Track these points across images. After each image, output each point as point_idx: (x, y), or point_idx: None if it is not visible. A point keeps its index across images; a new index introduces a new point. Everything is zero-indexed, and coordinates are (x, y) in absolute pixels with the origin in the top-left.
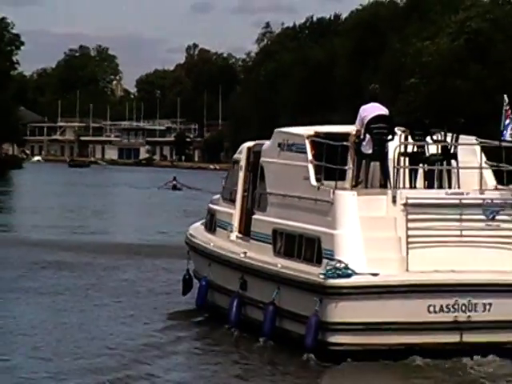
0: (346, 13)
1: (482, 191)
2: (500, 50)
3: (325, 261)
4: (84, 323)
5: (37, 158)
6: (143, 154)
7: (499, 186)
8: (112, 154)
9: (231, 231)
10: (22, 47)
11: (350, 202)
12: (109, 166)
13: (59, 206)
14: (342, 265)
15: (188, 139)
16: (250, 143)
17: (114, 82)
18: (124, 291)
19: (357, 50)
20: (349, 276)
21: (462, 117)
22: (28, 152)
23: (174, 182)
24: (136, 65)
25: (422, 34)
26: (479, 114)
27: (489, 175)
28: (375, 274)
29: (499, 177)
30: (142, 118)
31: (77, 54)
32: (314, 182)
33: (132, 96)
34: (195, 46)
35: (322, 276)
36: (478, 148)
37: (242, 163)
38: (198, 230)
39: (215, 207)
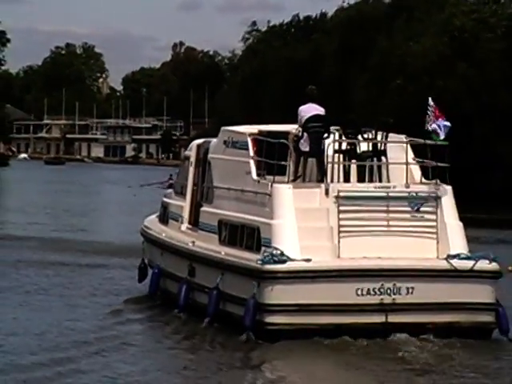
0: (332, 11)
1: (407, 185)
2: (485, 48)
3: (263, 248)
4: (36, 317)
5: (23, 155)
6: (129, 152)
7: (424, 181)
8: (98, 151)
9: (182, 222)
10: (8, 44)
11: (286, 195)
12: (95, 163)
13: (39, 204)
14: (278, 252)
15: (174, 137)
16: (199, 140)
17: (101, 80)
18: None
19: (343, 49)
20: (284, 262)
21: (452, 118)
22: (14, 149)
23: (171, 181)
24: (123, 63)
25: (409, 33)
26: (466, 112)
27: (416, 170)
28: (308, 260)
29: (426, 172)
30: (128, 116)
31: (63, 52)
32: (254, 176)
33: (118, 94)
34: (181, 43)
35: (259, 262)
36: (408, 146)
37: (192, 159)
38: (152, 222)
39: (168, 200)
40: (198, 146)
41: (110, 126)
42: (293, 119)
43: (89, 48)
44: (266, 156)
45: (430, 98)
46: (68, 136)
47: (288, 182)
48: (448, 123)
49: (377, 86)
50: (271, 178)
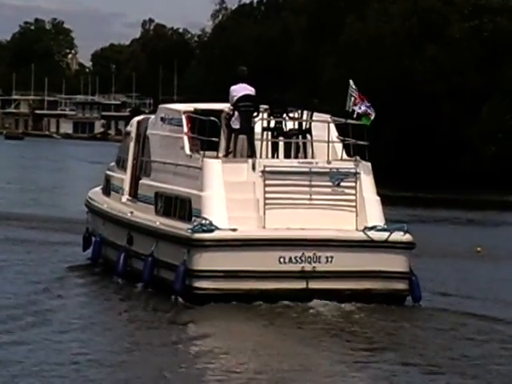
0: None
1: (329, 161)
2: (454, 28)
3: (194, 218)
4: None
5: None
6: (98, 129)
7: (346, 157)
8: (67, 127)
9: (122, 194)
10: None
11: (215, 169)
12: (63, 139)
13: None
14: (207, 222)
15: (143, 114)
16: (139, 117)
17: (70, 56)
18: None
19: (312, 27)
20: (212, 231)
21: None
22: None
23: None
24: (92, 39)
25: (379, 13)
26: (435, 93)
27: (339, 148)
28: (234, 230)
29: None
30: (97, 93)
31: (32, 27)
32: (187, 151)
33: (87, 70)
34: (151, 21)
35: (189, 231)
36: (332, 124)
37: (133, 135)
38: (96, 194)
39: (110, 173)
40: (138, 123)
41: (78, 102)
42: (260, 95)
43: (58, 24)
44: (199, 132)
45: (351, 81)
46: (37, 112)
47: (217, 157)
48: (363, 108)
49: (346, 65)
50: (208, 153)
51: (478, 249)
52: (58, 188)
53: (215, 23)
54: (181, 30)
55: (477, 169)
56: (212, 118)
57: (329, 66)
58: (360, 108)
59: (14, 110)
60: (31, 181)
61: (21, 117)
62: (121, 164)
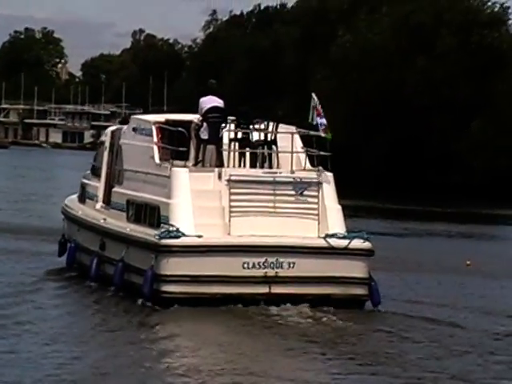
0: (292, 1)
1: (292, 171)
2: (444, 41)
3: (162, 225)
4: None
5: None
6: (88, 138)
7: (310, 167)
8: (56, 137)
9: (97, 202)
10: None
11: (183, 177)
12: (52, 149)
13: None
14: (174, 228)
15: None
16: (113, 127)
17: (60, 65)
18: (17, 259)
19: (303, 39)
20: (178, 237)
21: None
22: None
23: None
24: (83, 48)
25: (370, 27)
26: (425, 105)
27: (303, 158)
28: (200, 236)
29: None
30: (87, 102)
31: (22, 37)
32: (157, 160)
33: (77, 80)
34: (141, 31)
35: (156, 237)
36: (296, 136)
37: (107, 144)
38: (72, 201)
39: (86, 181)
40: (112, 132)
41: (68, 112)
42: (251, 107)
43: (48, 33)
44: (168, 142)
45: (313, 94)
46: (26, 121)
47: (185, 166)
48: (324, 121)
49: (337, 77)
50: (178, 162)
51: (468, 262)
52: (44, 196)
53: (206, 34)
54: (171, 41)
55: (466, 182)
56: (180, 129)
57: (320, 77)
58: (317, 120)
59: (3, 119)
60: (16, 189)
61: (10, 126)
62: (96, 172)
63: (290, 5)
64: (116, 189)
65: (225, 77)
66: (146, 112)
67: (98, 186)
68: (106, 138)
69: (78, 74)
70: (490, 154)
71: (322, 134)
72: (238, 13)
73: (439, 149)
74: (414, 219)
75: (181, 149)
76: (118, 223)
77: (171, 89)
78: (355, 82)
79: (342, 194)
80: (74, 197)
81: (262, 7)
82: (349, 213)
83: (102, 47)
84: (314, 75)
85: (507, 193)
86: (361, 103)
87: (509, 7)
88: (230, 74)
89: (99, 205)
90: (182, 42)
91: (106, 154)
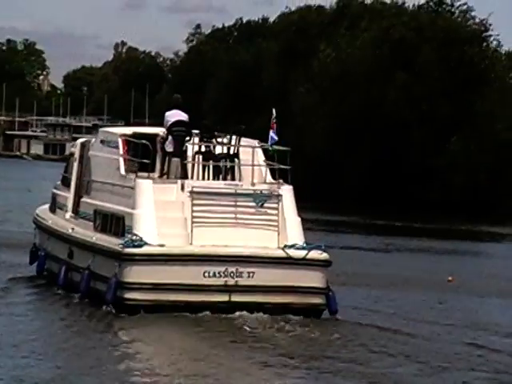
0: (274, 16)
1: (253, 183)
2: (425, 57)
3: (126, 234)
4: None
5: None
6: (69, 150)
7: (271, 180)
8: (38, 148)
9: (66, 211)
10: None
11: (146, 189)
12: (34, 160)
13: None
14: (137, 237)
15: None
16: (82, 139)
17: (41, 77)
18: None
19: (284, 54)
20: (141, 246)
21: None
22: None
23: None
24: (65, 60)
25: (351, 42)
26: (405, 121)
27: (265, 171)
28: (162, 245)
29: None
30: (69, 114)
31: (4, 48)
32: (122, 171)
33: (59, 92)
34: (123, 43)
35: (120, 246)
36: (259, 149)
37: (76, 155)
38: (43, 211)
39: (56, 192)
40: (82, 144)
41: (50, 124)
42: (233, 120)
43: (30, 44)
44: (133, 155)
45: (273, 109)
46: (7, 132)
47: (149, 178)
48: (274, 136)
49: (317, 91)
50: (142, 173)
51: (450, 278)
52: (19, 207)
53: (189, 47)
54: (153, 54)
55: (445, 198)
56: (144, 141)
57: (301, 92)
58: (271, 136)
59: None
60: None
61: None
62: (65, 183)
63: (272, 19)
64: (84, 199)
65: (206, 90)
66: (127, 125)
67: (68, 197)
68: (75, 149)
69: (60, 85)
70: (470, 171)
71: (273, 148)
72: (220, 26)
73: (419, 164)
74: (395, 235)
75: (144, 161)
76: (86, 232)
77: (153, 101)
78: (336, 97)
79: (323, 208)
80: (46, 207)
81: (245, 21)
82: (330, 228)
83: (85, 59)
84: (295, 90)
85: (486, 209)
86: (342, 118)
87: (490, 24)
88: (212, 87)
89: (68, 214)
90: (164, 54)
91: (75, 165)
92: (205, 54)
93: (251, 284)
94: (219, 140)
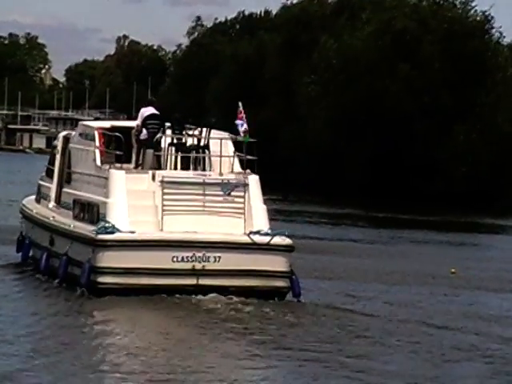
0: (276, 9)
1: (221, 173)
2: (427, 49)
3: (100, 222)
4: None
5: None
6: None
7: (239, 170)
8: (40, 142)
9: (49, 201)
10: None
11: (119, 179)
12: (36, 154)
13: None
14: (110, 224)
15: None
16: (64, 132)
17: (43, 71)
18: None
19: (287, 46)
20: (113, 233)
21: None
22: None
23: None
24: (67, 54)
25: (353, 33)
26: (408, 112)
27: (236, 162)
28: (133, 232)
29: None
30: (71, 108)
31: (6, 42)
32: (98, 162)
33: (61, 85)
34: (125, 37)
35: (93, 232)
36: (229, 141)
37: (59, 148)
38: (29, 202)
39: (41, 183)
40: (64, 137)
41: (52, 118)
42: (234, 113)
43: (32, 38)
44: (112, 147)
45: (239, 103)
46: (9, 126)
47: (122, 169)
48: (245, 125)
49: (319, 84)
50: (117, 164)
51: (453, 270)
52: (17, 199)
53: (190, 40)
54: (155, 47)
55: (448, 190)
56: (117, 134)
57: (303, 84)
58: (242, 126)
59: None
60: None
61: None
62: (49, 174)
63: (274, 12)
64: (65, 189)
65: (209, 83)
66: (130, 118)
67: (51, 187)
68: (58, 142)
69: (62, 79)
70: (472, 162)
71: (240, 138)
72: (222, 19)
73: (422, 157)
74: (398, 227)
75: (118, 152)
76: (65, 221)
77: (155, 94)
78: (338, 89)
79: (324, 202)
80: (32, 197)
81: (247, 14)
82: (332, 220)
83: (88, 53)
84: (297, 82)
85: (489, 201)
86: (344, 111)
87: (492, 16)
88: (214, 80)
89: (51, 204)
90: (166, 48)
91: (58, 157)
92: (207, 47)
93: (218, 268)
94: (190, 132)
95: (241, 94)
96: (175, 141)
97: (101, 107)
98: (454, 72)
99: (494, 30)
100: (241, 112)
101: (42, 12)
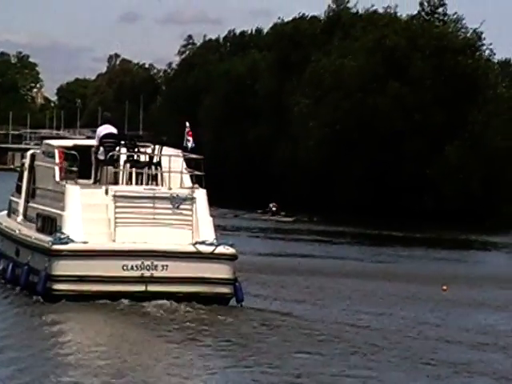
0: (268, 27)
1: (170, 188)
2: (418, 67)
3: (55, 233)
4: None
5: None
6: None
7: (189, 185)
8: None
9: (18, 215)
10: None
11: (74, 193)
12: None
13: None
14: (65, 235)
15: None
16: (32, 151)
17: (35, 90)
18: None
19: (279, 64)
20: (67, 243)
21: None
22: None
23: None
24: (59, 73)
25: (344, 51)
26: (398, 130)
27: (186, 178)
28: (86, 242)
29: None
30: (63, 127)
31: None
32: (57, 178)
33: (53, 104)
34: (117, 56)
35: (49, 243)
36: (180, 158)
37: (26, 165)
38: (1, 216)
39: (12, 198)
40: (31, 155)
41: (43, 137)
42: (227, 131)
43: (23, 57)
44: (73, 164)
45: (187, 122)
46: (1, 145)
47: (77, 184)
48: (192, 143)
49: (311, 101)
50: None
51: (444, 287)
52: None
53: (181, 59)
54: (147, 66)
55: (439, 207)
56: (73, 152)
57: (296, 102)
58: (191, 144)
59: None
60: None
61: None
62: (18, 190)
63: (265, 30)
64: (30, 204)
65: (201, 101)
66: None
67: (19, 202)
68: (26, 160)
69: (54, 98)
70: (463, 180)
71: (194, 156)
72: (212, 37)
73: (413, 174)
74: (388, 245)
75: (73, 169)
76: (29, 233)
77: (147, 113)
78: (329, 106)
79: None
80: (5, 212)
81: (238, 32)
82: (324, 238)
83: (80, 72)
84: (289, 99)
85: (480, 218)
86: (335, 128)
87: (482, 33)
88: (206, 98)
89: (20, 218)
90: (158, 66)
91: (25, 174)
92: (198, 66)
93: (165, 276)
94: (142, 150)
95: (233, 112)
96: (130, 158)
97: (92, 126)
98: (445, 89)
99: (484, 47)
100: (189, 131)
101: (34, 31)
